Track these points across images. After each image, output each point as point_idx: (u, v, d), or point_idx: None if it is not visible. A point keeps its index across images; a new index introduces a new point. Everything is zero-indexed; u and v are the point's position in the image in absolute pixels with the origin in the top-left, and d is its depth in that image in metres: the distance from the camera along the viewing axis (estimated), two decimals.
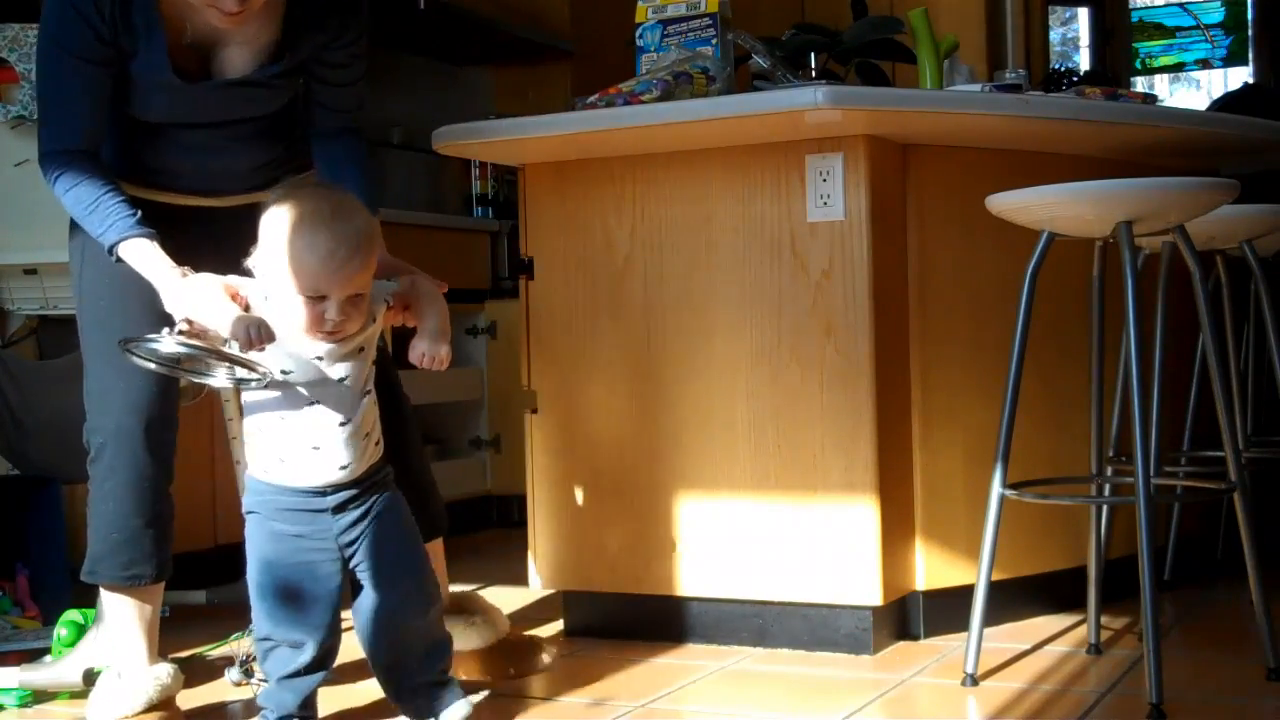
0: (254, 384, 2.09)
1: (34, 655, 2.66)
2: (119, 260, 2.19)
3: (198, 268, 2.18)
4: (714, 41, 2.80)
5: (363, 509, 2.17)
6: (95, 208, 2.18)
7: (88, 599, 2.63)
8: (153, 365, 2.10)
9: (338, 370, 2.12)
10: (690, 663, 2.72)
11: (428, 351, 2.18)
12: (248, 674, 2.55)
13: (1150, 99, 3.21)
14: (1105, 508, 2.78)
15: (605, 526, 2.94)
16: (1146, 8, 9.58)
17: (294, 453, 2.12)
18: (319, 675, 2.19)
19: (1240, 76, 9.44)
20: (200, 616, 3.12)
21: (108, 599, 2.36)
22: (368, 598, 2.21)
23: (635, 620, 2.93)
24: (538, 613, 3.18)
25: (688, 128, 2.69)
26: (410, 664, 2.22)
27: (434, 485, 2.58)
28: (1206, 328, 2.49)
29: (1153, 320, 3.06)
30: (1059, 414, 3.00)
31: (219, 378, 2.12)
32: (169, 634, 2.67)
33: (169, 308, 2.14)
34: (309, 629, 2.16)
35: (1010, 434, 2.48)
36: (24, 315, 3.02)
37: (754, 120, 2.64)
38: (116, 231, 2.17)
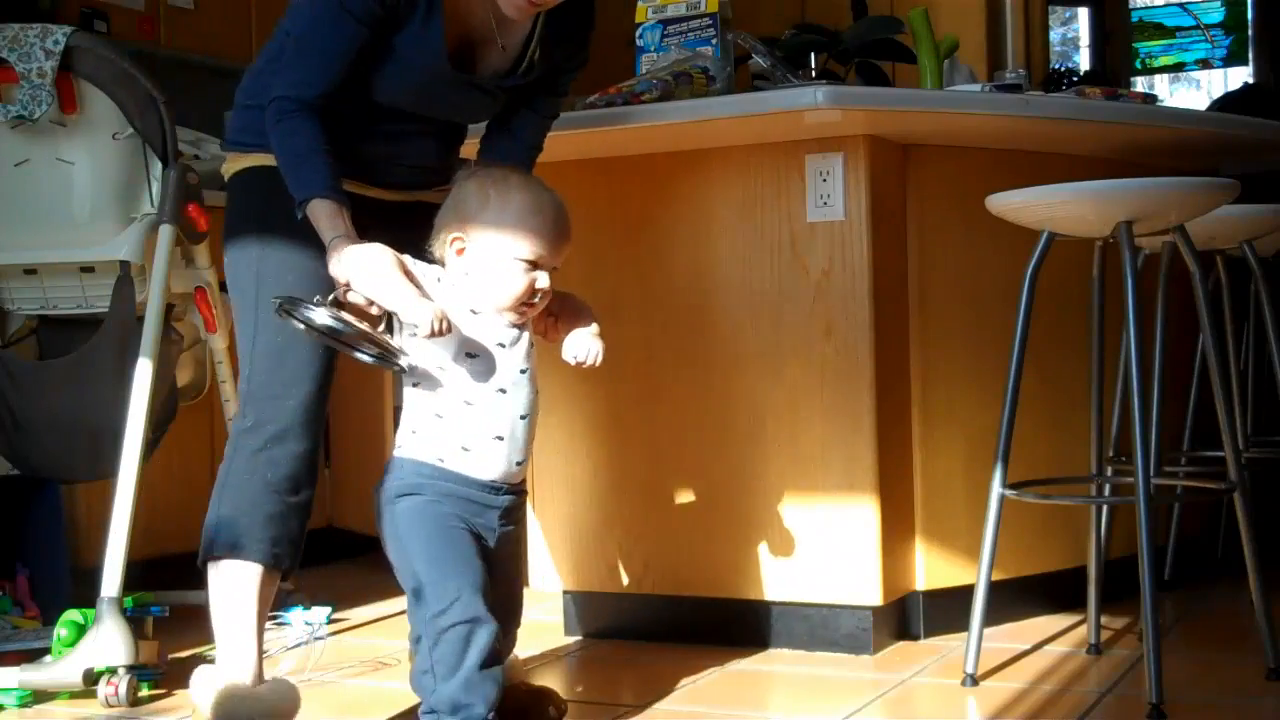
0: (393, 368, 2.04)
1: (34, 655, 2.66)
2: (302, 217, 2.10)
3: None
4: (714, 41, 2.80)
5: (517, 529, 2.12)
6: (306, 158, 2.11)
7: (88, 599, 2.63)
8: (303, 328, 2.03)
9: (519, 360, 2.09)
10: (690, 663, 2.71)
11: (593, 347, 2.19)
12: None
13: (1150, 99, 3.21)
14: (1105, 508, 2.78)
15: (605, 527, 2.94)
16: (1146, 8, 9.58)
17: (479, 442, 2.05)
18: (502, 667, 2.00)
19: (1240, 76, 9.44)
20: (200, 616, 3.11)
21: (228, 579, 2.19)
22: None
23: (635, 620, 2.93)
24: (539, 613, 3.18)
25: (688, 128, 2.69)
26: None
27: None
28: (1206, 328, 2.49)
29: (1153, 320, 3.06)
30: (1059, 414, 3.00)
31: (363, 354, 2.05)
32: (169, 634, 2.67)
33: (333, 270, 2.04)
34: (488, 606, 1.98)
35: (1010, 434, 2.48)
36: (24, 315, 3.01)
37: (754, 120, 2.64)
38: (317, 186, 2.09)
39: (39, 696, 2.55)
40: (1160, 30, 9.38)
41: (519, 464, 2.09)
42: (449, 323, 1.98)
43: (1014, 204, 2.46)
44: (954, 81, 3.20)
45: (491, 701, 1.92)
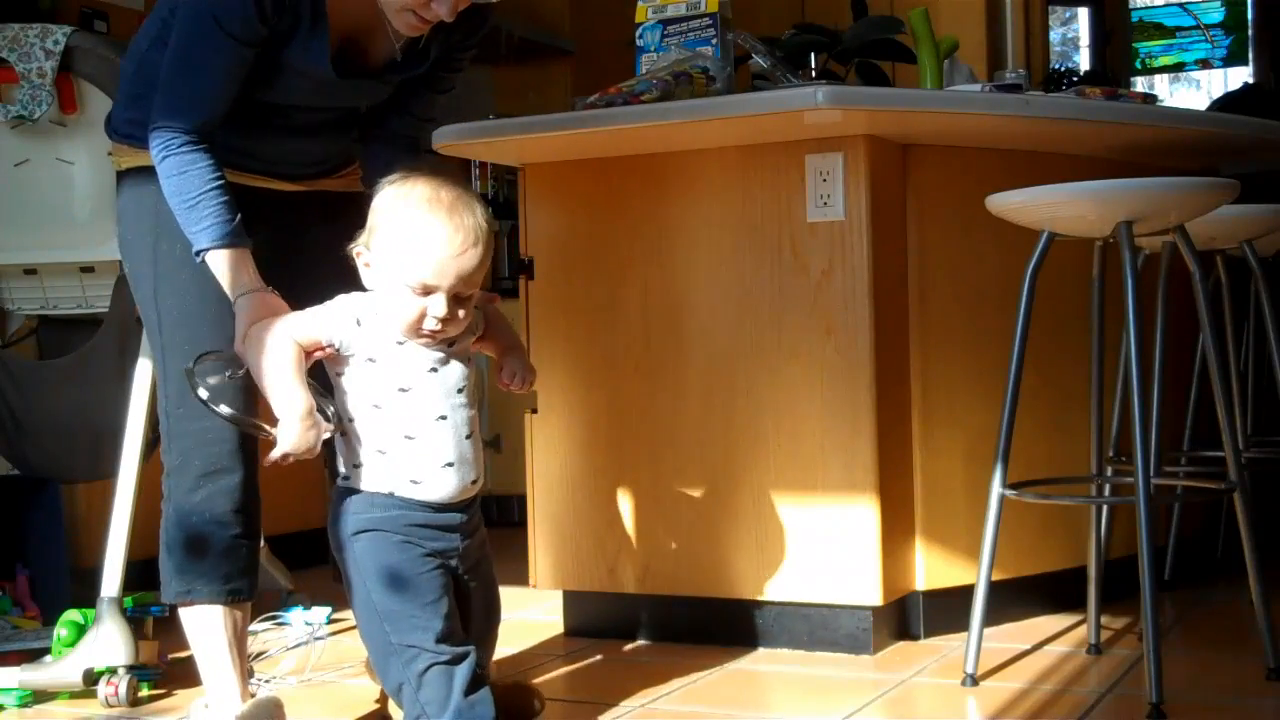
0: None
1: (34, 655, 2.66)
2: (202, 262, 2.05)
3: (255, 251, 2.08)
4: (714, 41, 2.80)
5: (479, 535, 2.08)
6: (196, 203, 2.02)
7: (88, 599, 2.63)
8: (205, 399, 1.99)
9: (454, 378, 2.01)
10: (690, 663, 2.71)
11: (520, 372, 2.13)
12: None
13: (1150, 99, 3.21)
14: (1105, 508, 2.78)
15: (605, 527, 2.94)
16: (1146, 8, 9.58)
17: (427, 472, 1.98)
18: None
19: (1240, 76, 9.43)
20: None
21: (195, 622, 2.16)
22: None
23: (635, 620, 2.93)
24: (538, 613, 3.18)
25: (688, 128, 2.69)
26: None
27: None
28: (1206, 328, 2.49)
29: (1153, 320, 3.06)
30: (1059, 414, 3.00)
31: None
32: (169, 634, 2.67)
33: (238, 347, 2.01)
34: (461, 639, 1.98)
35: (1010, 434, 2.48)
36: (24, 315, 3.01)
37: (754, 120, 2.64)
38: (210, 237, 2.02)
39: (39, 696, 2.55)
40: (1160, 30, 9.38)
41: (474, 481, 2.03)
42: (318, 449, 1.93)
43: (1014, 204, 2.46)
44: (954, 81, 3.20)
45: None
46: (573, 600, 3.01)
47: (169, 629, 2.65)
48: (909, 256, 2.88)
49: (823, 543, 2.75)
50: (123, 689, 2.49)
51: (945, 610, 2.85)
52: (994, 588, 2.51)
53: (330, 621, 3.05)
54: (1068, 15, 10.40)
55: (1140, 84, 9.26)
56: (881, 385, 2.74)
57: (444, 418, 1.99)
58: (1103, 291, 2.67)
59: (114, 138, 2.24)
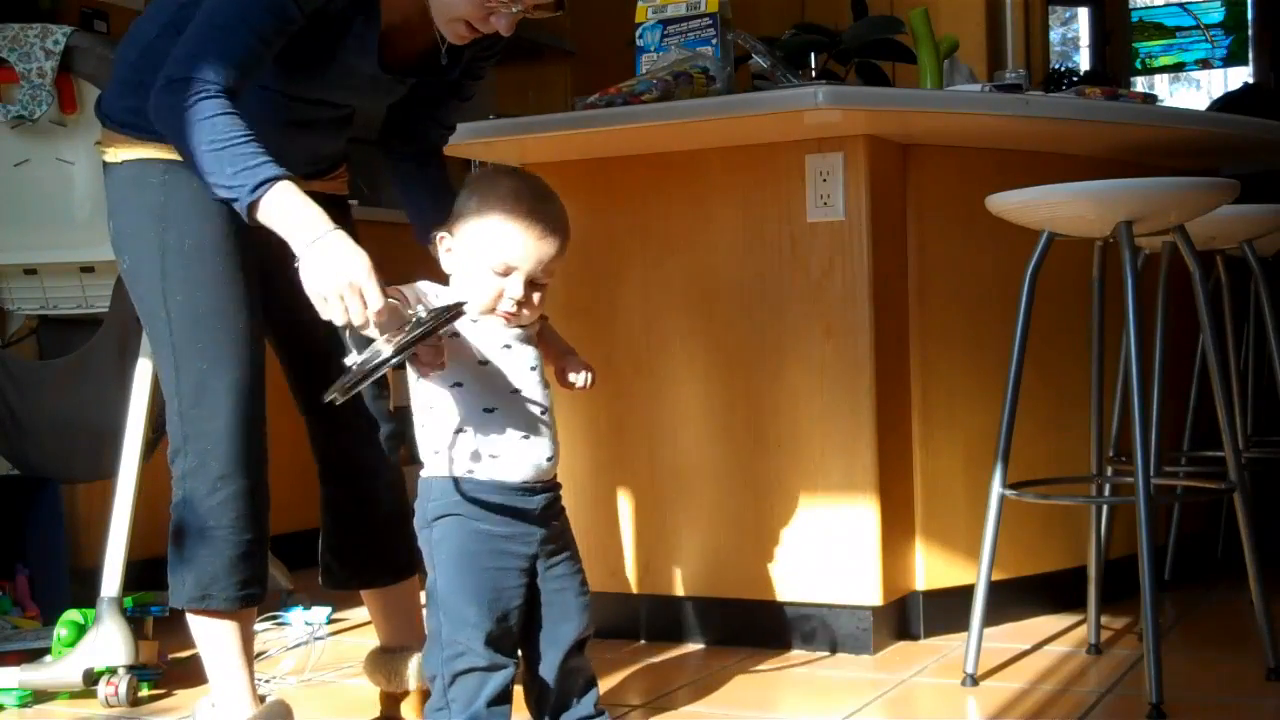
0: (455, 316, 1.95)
1: (34, 655, 2.66)
2: (252, 213, 1.88)
3: (253, 248, 2.06)
4: (714, 41, 2.80)
5: (560, 519, 2.09)
6: (247, 140, 1.87)
7: (88, 599, 2.63)
8: (374, 378, 1.89)
9: (528, 357, 2.05)
10: (689, 662, 2.72)
11: (583, 370, 2.15)
12: None
13: (1150, 99, 3.21)
14: (1105, 508, 2.78)
15: (605, 526, 2.94)
16: (1146, 8, 9.58)
17: (505, 446, 2.01)
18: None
19: (1240, 76, 9.44)
20: None
21: (206, 627, 2.13)
22: (554, 618, 2.07)
23: (635, 620, 2.93)
24: None
25: (688, 128, 2.69)
26: (572, 696, 2.10)
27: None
28: (1206, 328, 2.49)
29: (1153, 320, 3.06)
30: (1059, 414, 3.00)
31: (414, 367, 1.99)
32: (169, 634, 2.67)
33: (309, 283, 1.87)
34: (510, 648, 2.01)
35: (1010, 434, 2.48)
36: (24, 315, 3.01)
37: (754, 120, 2.64)
38: (274, 168, 1.87)
39: (39, 696, 2.55)
40: (1160, 30, 9.38)
41: (549, 460, 2.05)
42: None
43: (1014, 204, 2.46)
44: (954, 81, 3.20)
45: None
46: None
47: (169, 629, 2.65)
48: (909, 256, 2.88)
49: (823, 543, 2.75)
50: (123, 689, 2.49)
51: (945, 610, 2.85)
52: (994, 588, 2.51)
53: (330, 621, 3.05)
54: (1068, 15, 10.41)
55: (1140, 84, 9.26)
56: (881, 385, 2.74)
57: (519, 391, 2.03)
58: (1103, 291, 2.67)
59: (108, 125, 2.15)
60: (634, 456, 2.92)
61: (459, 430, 2.01)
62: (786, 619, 2.80)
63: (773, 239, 2.80)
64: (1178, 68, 9.76)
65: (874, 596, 2.72)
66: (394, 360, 1.83)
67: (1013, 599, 2.92)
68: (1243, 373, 3.48)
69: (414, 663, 2.28)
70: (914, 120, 2.73)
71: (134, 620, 2.59)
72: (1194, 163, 3.35)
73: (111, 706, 2.49)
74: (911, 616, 2.86)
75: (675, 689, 2.52)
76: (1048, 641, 2.79)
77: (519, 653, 2.04)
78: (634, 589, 2.92)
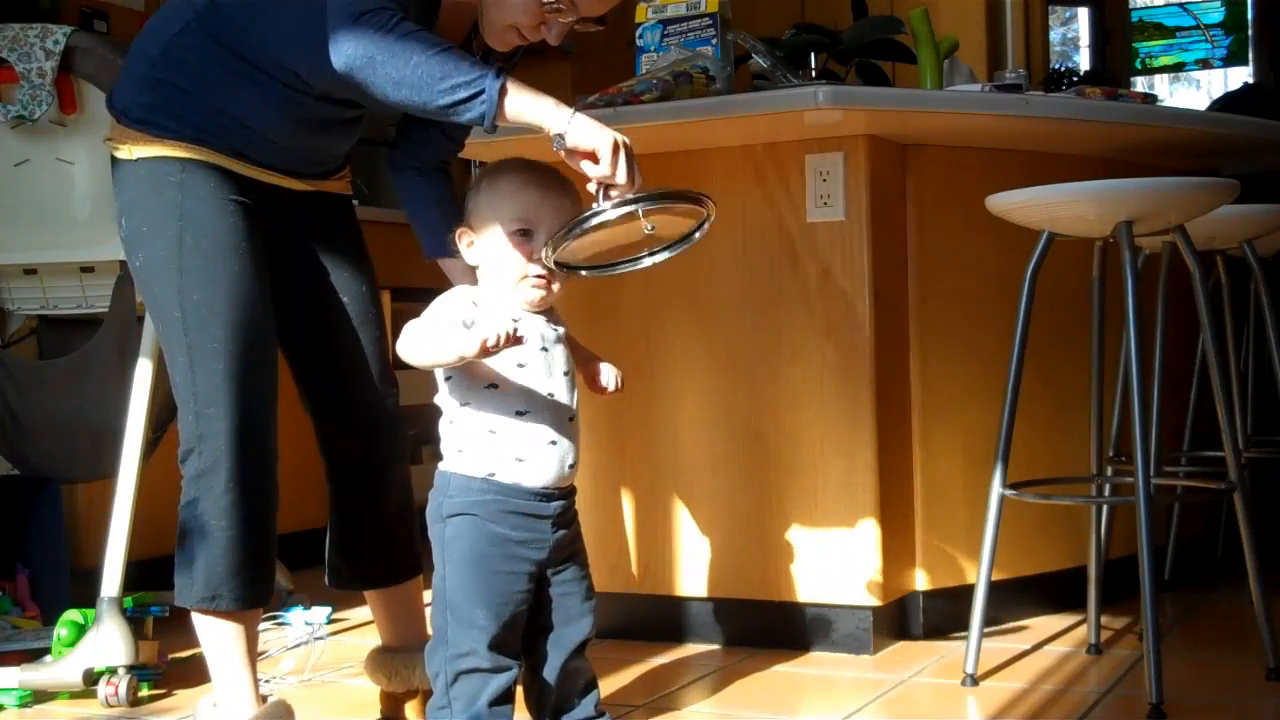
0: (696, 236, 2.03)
1: (34, 655, 2.66)
2: (502, 96, 1.91)
3: (265, 248, 2.07)
4: (714, 41, 2.80)
5: (573, 527, 2.09)
6: (451, 48, 1.90)
7: (88, 599, 2.63)
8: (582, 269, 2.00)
9: (561, 362, 2.06)
10: (690, 663, 2.72)
11: (611, 373, 2.16)
12: None
13: (1150, 99, 3.21)
14: (1105, 508, 2.78)
15: (605, 527, 2.94)
16: (1146, 8, 9.58)
17: (533, 450, 2.01)
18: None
19: (1240, 76, 9.44)
20: None
21: (212, 628, 2.12)
22: (561, 621, 2.07)
23: (635, 620, 2.93)
24: None
25: (687, 128, 2.69)
26: (573, 697, 2.10)
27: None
28: (1206, 328, 2.49)
29: (1153, 320, 3.06)
30: (1059, 414, 3.00)
31: (645, 256, 2.05)
32: (169, 634, 2.67)
33: (595, 134, 1.95)
34: (514, 650, 2.02)
35: (1010, 434, 2.48)
36: (24, 315, 3.01)
37: (754, 120, 2.64)
38: (498, 71, 1.91)
39: (39, 696, 2.55)
40: (1160, 30, 9.38)
41: (571, 466, 2.06)
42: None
43: (1014, 204, 2.46)
44: (954, 81, 3.20)
45: None
46: None
47: (169, 629, 2.65)
48: (909, 256, 2.88)
49: (822, 543, 2.75)
50: (123, 689, 2.49)
51: (945, 610, 2.85)
52: (994, 588, 2.51)
53: (330, 621, 3.05)
54: (1068, 15, 10.41)
55: (1140, 84, 9.26)
56: (881, 385, 2.74)
57: (553, 395, 2.04)
58: (1103, 292, 2.67)
59: (124, 122, 2.11)
60: (634, 456, 2.92)
61: (490, 431, 2.01)
62: (787, 619, 2.80)
63: (773, 239, 2.80)
64: (1178, 68, 9.76)
65: (874, 596, 2.72)
66: (626, 211, 1.92)
67: (1013, 599, 2.92)
68: (1243, 373, 3.48)
69: (417, 664, 2.27)
70: (914, 120, 2.73)
71: (134, 620, 2.59)
72: (1194, 163, 3.35)
73: (111, 707, 2.49)
74: (911, 616, 2.86)
75: (675, 689, 2.52)
76: (1048, 641, 2.79)
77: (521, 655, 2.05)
78: (632, 589, 2.92)
